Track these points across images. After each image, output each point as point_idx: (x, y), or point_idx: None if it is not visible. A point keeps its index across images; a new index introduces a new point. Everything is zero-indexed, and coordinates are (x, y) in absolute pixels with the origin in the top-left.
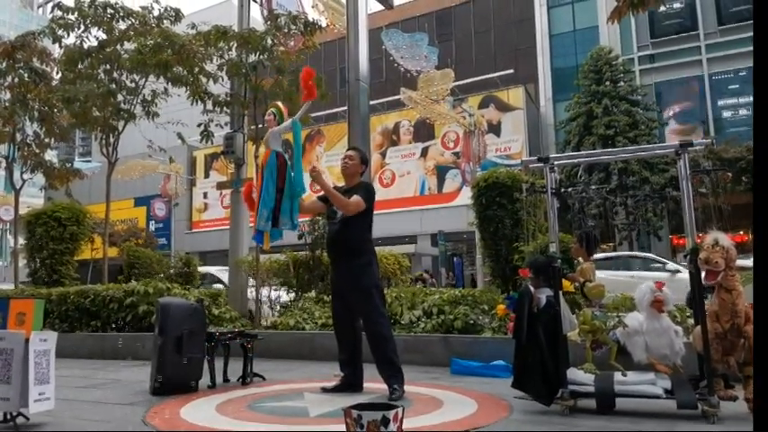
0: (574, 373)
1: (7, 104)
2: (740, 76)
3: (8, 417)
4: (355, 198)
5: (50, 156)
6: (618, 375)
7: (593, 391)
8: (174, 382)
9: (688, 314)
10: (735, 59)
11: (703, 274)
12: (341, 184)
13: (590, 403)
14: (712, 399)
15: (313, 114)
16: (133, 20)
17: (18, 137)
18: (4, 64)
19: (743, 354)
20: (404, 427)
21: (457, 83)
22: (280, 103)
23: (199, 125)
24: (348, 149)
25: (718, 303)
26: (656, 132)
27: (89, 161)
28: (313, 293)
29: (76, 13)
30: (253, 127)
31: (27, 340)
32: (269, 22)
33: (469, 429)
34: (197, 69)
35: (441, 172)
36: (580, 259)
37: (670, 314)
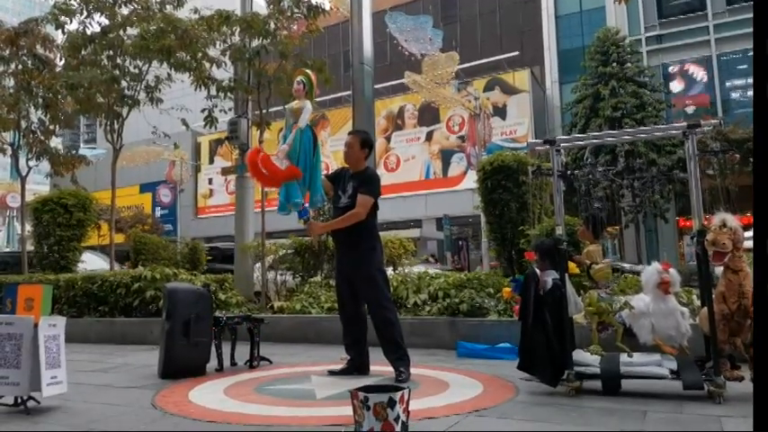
0: (580, 355)
1: (12, 91)
2: (748, 57)
3: (19, 401)
4: (360, 201)
5: (56, 143)
6: (624, 357)
7: (598, 373)
8: (183, 365)
9: (694, 295)
10: (743, 39)
11: (710, 256)
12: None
13: (596, 384)
14: (718, 379)
15: (317, 99)
16: (135, 5)
17: (23, 124)
18: (8, 51)
19: (749, 334)
20: (410, 408)
21: (462, 66)
22: (309, 72)
23: (203, 111)
24: (349, 133)
25: (725, 284)
26: (664, 114)
27: (94, 148)
28: (319, 278)
29: None
30: (257, 112)
31: (36, 325)
32: (272, 6)
33: (476, 410)
34: (200, 54)
35: (446, 156)
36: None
37: (676, 295)
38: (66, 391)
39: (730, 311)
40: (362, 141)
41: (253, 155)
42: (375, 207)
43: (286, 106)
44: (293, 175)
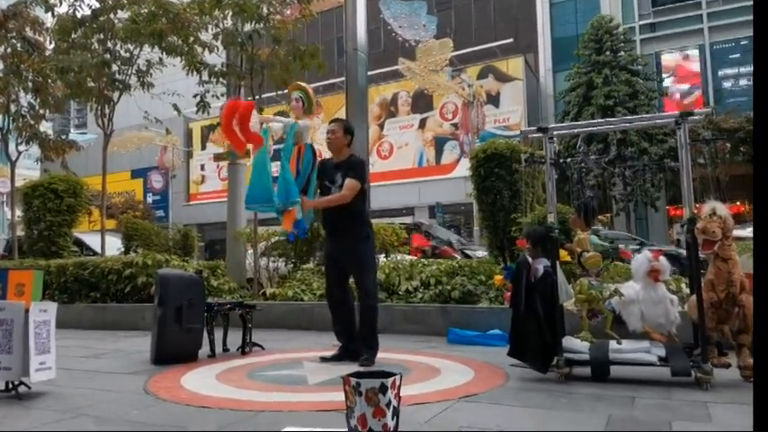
0: (569, 342)
1: (1, 75)
2: (741, 46)
3: (10, 386)
4: (347, 185)
5: (45, 127)
6: (613, 344)
7: (588, 359)
8: (175, 351)
9: (683, 283)
10: (736, 28)
11: (700, 244)
12: (329, 155)
13: (585, 371)
14: (706, 366)
15: (311, 85)
16: None
17: (12, 108)
18: None
19: (737, 322)
20: (401, 394)
21: (456, 53)
22: (305, 86)
23: (195, 96)
24: (331, 121)
25: (714, 273)
26: (656, 103)
27: (85, 133)
28: (311, 264)
29: None
30: (249, 98)
31: (27, 311)
32: None
33: (467, 396)
34: (192, 39)
35: (439, 143)
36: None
37: (665, 283)
38: (57, 377)
39: (719, 299)
40: (345, 128)
41: (238, 102)
42: (364, 194)
43: (284, 121)
44: (254, 142)
